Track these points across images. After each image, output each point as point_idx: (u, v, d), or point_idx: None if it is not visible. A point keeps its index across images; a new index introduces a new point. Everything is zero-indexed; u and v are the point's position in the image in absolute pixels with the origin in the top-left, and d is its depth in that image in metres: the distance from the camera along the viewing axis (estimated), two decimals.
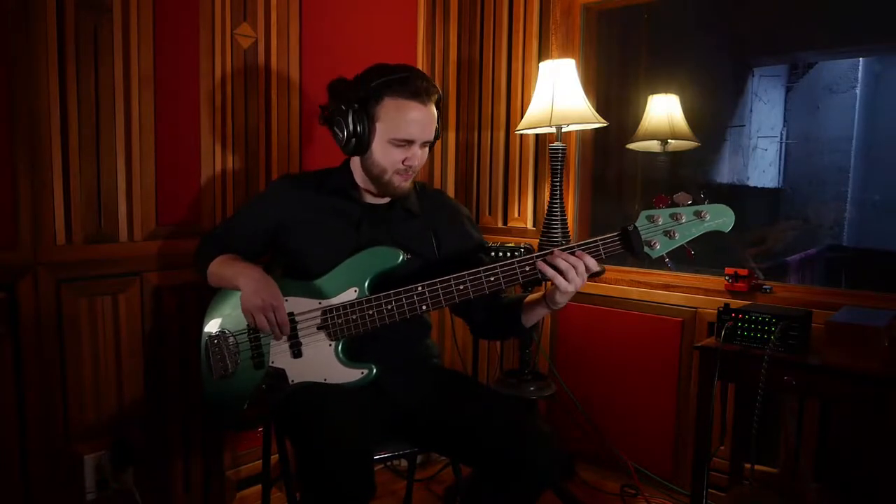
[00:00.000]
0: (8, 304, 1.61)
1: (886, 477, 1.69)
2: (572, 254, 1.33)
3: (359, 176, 1.57)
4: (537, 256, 1.35)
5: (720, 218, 1.29)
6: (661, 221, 1.30)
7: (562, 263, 1.31)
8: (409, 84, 1.43)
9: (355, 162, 1.57)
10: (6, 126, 1.58)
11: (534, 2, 2.54)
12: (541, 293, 1.47)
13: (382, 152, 1.47)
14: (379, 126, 1.45)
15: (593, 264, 1.33)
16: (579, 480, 2.40)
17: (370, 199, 1.59)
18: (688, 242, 1.30)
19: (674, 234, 1.29)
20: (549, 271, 1.32)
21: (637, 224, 1.30)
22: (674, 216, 1.29)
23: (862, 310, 1.83)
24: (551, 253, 1.33)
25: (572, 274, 1.31)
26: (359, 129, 1.44)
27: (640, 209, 1.32)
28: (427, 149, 1.53)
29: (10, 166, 1.60)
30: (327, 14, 2.27)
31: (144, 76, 1.82)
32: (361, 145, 1.47)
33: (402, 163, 1.47)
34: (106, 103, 1.75)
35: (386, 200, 1.59)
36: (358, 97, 1.44)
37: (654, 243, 1.30)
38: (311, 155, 2.25)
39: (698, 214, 1.29)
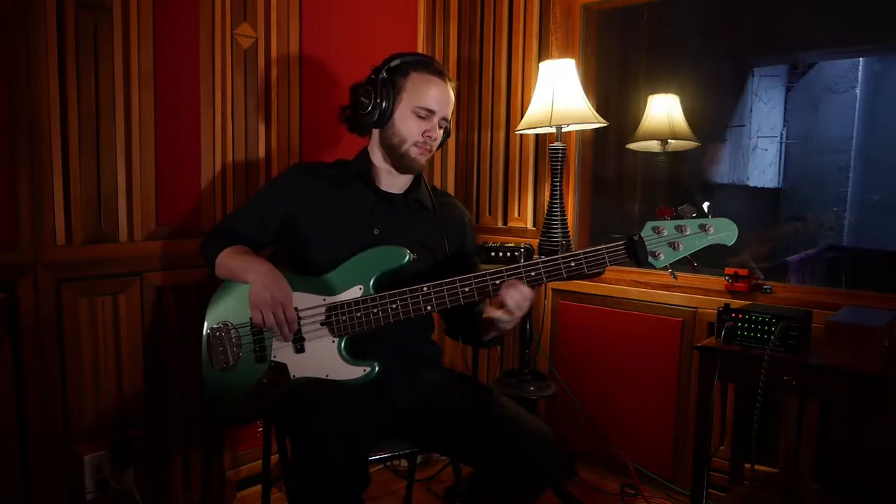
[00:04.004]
0: (8, 304, 1.61)
1: (886, 477, 1.69)
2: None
3: (377, 155, 1.61)
4: (462, 283, 1.39)
5: (724, 231, 1.32)
6: (665, 233, 1.32)
7: (510, 301, 1.36)
8: (433, 64, 1.58)
9: (374, 140, 1.62)
10: (6, 126, 1.58)
11: (534, 2, 2.54)
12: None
13: (404, 122, 1.55)
14: (404, 96, 1.55)
15: (528, 293, 1.37)
16: (579, 480, 2.40)
17: (386, 186, 1.62)
18: (691, 254, 1.33)
19: (678, 245, 1.32)
20: (510, 302, 1.37)
21: (642, 234, 1.33)
22: (679, 228, 1.32)
23: (862, 310, 1.83)
24: (483, 279, 1.38)
25: (517, 313, 1.37)
26: (384, 100, 1.53)
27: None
28: (443, 132, 1.61)
29: (10, 166, 1.60)
30: (327, 14, 2.27)
31: (144, 76, 1.82)
32: (385, 115, 1.54)
33: (422, 134, 1.54)
34: (106, 103, 1.75)
35: (401, 189, 1.63)
36: (386, 70, 1.55)
37: (659, 254, 1.33)
38: (312, 155, 2.25)
39: (703, 227, 1.32)
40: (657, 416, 2.33)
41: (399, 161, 1.58)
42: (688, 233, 1.31)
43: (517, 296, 1.35)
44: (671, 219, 1.33)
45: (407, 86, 1.54)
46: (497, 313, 1.38)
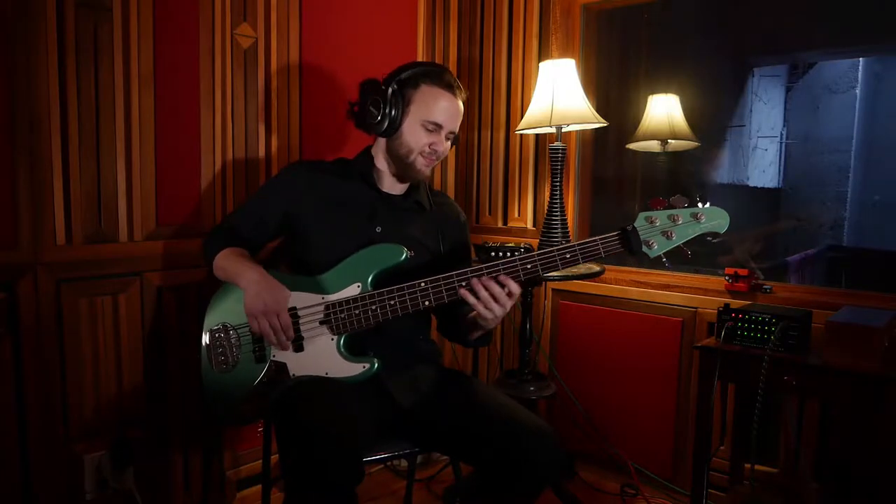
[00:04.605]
0: (8, 304, 1.61)
1: (886, 477, 1.69)
2: (495, 279, 1.36)
3: (381, 160, 1.63)
4: (459, 278, 1.38)
5: (716, 220, 1.33)
6: (658, 223, 1.34)
7: (482, 292, 1.36)
8: (445, 77, 1.57)
9: (379, 146, 1.63)
10: (6, 126, 1.58)
11: (534, 2, 2.54)
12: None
13: (412, 133, 1.56)
14: (413, 108, 1.55)
15: (516, 289, 1.37)
16: (579, 480, 2.40)
17: (387, 188, 1.64)
18: (684, 243, 1.34)
19: (671, 234, 1.33)
20: (471, 298, 1.37)
21: (636, 224, 1.35)
22: (671, 217, 1.34)
23: (862, 310, 1.83)
24: (480, 273, 1.37)
25: (492, 304, 1.37)
26: (394, 110, 1.54)
27: (639, 209, 1.36)
28: (450, 143, 1.61)
29: (10, 166, 1.60)
30: (327, 14, 2.27)
31: (144, 76, 1.82)
32: (394, 125, 1.55)
33: (429, 147, 1.56)
34: (106, 103, 1.75)
35: (401, 191, 1.65)
36: (396, 81, 1.56)
37: (652, 243, 1.34)
38: (312, 156, 2.25)
39: (695, 216, 1.33)
40: (657, 416, 2.33)
41: (404, 171, 1.60)
42: (680, 222, 1.33)
43: (496, 289, 1.36)
44: (664, 209, 1.34)
45: (416, 98, 1.55)
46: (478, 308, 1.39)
